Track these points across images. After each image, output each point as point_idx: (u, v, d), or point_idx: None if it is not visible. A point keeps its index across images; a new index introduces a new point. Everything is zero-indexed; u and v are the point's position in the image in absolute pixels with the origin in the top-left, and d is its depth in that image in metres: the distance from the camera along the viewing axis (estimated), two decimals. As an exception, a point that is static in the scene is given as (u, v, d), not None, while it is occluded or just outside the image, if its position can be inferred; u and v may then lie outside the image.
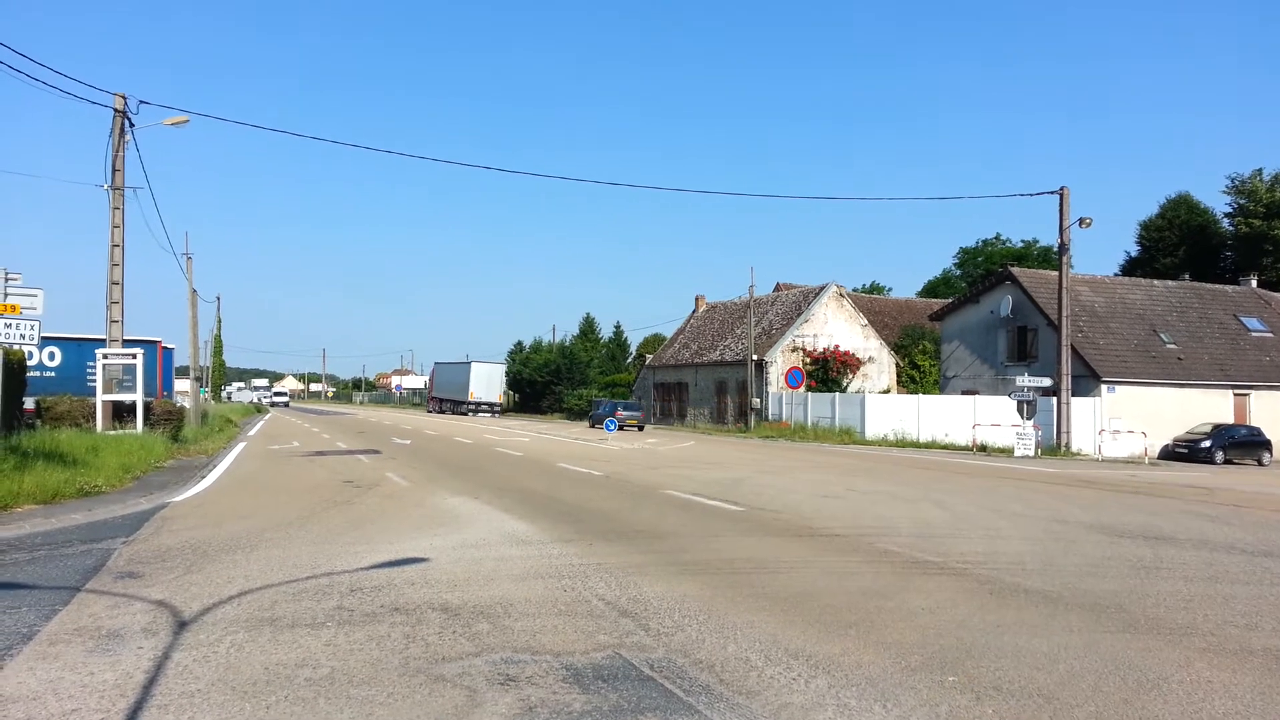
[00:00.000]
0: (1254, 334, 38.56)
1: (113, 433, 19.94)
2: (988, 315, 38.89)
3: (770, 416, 44.25)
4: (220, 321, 71.84)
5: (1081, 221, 30.75)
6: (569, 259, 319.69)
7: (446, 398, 75.00)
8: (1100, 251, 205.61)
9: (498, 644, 5.59)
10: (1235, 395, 35.59)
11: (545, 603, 6.69)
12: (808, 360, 46.53)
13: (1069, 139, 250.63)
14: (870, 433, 35.62)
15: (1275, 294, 43.06)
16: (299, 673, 4.97)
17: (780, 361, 46.60)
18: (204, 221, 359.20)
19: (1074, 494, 16.39)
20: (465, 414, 68.83)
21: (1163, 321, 37.42)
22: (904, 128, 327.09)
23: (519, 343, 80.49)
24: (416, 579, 7.46)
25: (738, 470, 19.78)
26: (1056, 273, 33.09)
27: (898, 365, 50.88)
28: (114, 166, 21.30)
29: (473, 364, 71.57)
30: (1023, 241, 75.52)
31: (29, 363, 22.31)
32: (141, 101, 21.53)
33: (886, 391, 46.46)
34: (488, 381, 70.99)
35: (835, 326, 48.56)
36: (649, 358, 61.94)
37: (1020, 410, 30.74)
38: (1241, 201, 54.47)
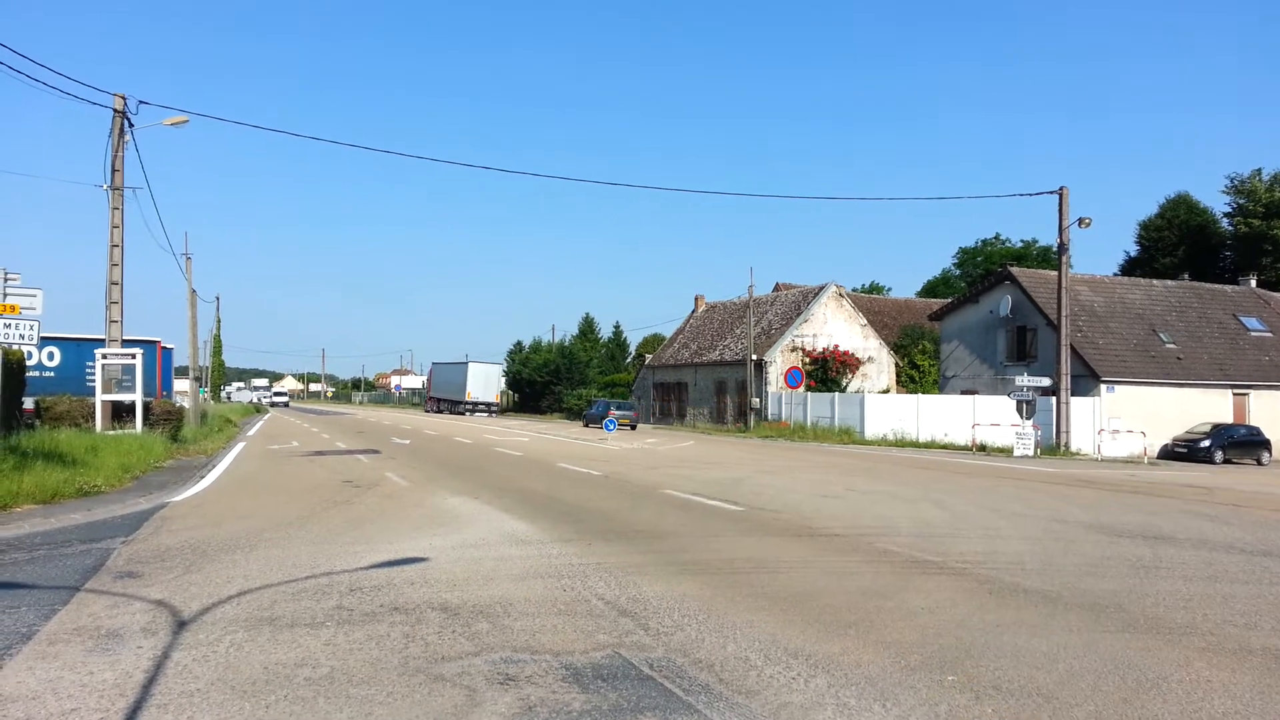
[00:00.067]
0: (1253, 334, 38.58)
1: (112, 433, 19.93)
2: (987, 315, 38.89)
3: (770, 416, 44.26)
4: (219, 321, 71.93)
5: (1081, 221, 30.76)
6: (569, 259, 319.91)
7: (444, 398, 75.04)
8: (1100, 251, 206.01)
9: (497, 643, 5.59)
10: (1234, 395, 35.61)
11: (545, 602, 6.69)
12: (807, 360, 46.54)
13: (1069, 139, 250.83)
14: (870, 432, 35.63)
15: (1274, 294, 43.08)
16: (298, 672, 4.97)
17: (780, 361, 46.61)
18: (203, 221, 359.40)
19: (1073, 494, 16.39)
20: (462, 414, 68.87)
21: (1162, 321, 37.43)
22: (904, 128, 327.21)
23: (518, 342, 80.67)
24: (416, 579, 7.46)
25: (737, 470, 19.78)
26: (1056, 272, 33.10)
27: (897, 365, 50.90)
28: (114, 167, 21.30)
29: (470, 364, 71.63)
30: (1022, 241, 75.62)
31: (28, 363, 22.30)
32: (141, 102, 21.56)
33: (886, 391, 46.48)
34: (485, 381, 71.04)
35: (835, 326, 48.57)
36: (648, 357, 61.96)
37: (1019, 410, 30.76)
38: (1241, 201, 54.49)
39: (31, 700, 4.48)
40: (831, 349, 47.04)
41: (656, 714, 4.41)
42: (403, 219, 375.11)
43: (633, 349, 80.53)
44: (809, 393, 42.26)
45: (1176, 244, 57.43)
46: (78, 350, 27.60)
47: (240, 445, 26.61)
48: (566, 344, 75.92)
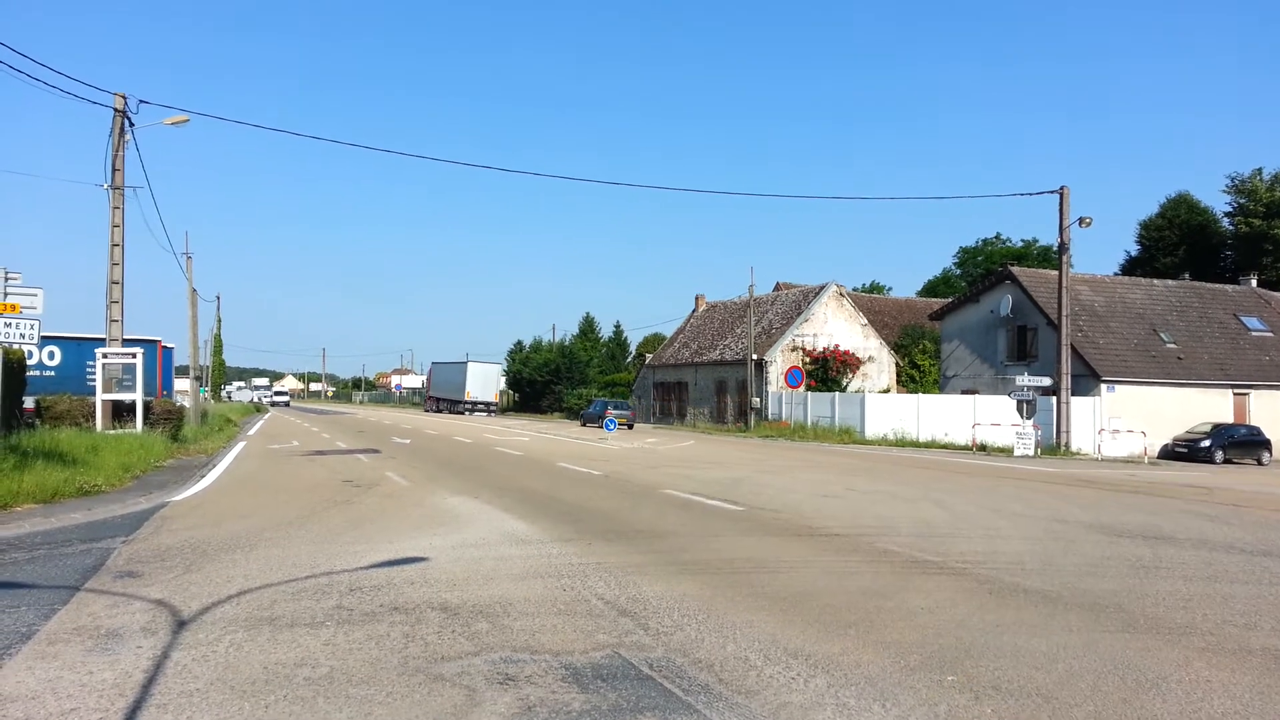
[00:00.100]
0: (1254, 333, 38.57)
1: (112, 432, 19.94)
2: (987, 315, 38.88)
3: (770, 416, 44.25)
4: (220, 321, 71.92)
5: (1081, 221, 30.75)
6: (569, 259, 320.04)
7: (443, 397, 75.07)
8: (1100, 251, 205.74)
9: (497, 643, 5.59)
10: (1235, 395, 35.59)
11: (544, 602, 6.69)
12: (807, 360, 46.53)
13: (1069, 139, 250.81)
14: (870, 432, 35.62)
15: (1275, 293, 43.06)
16: (298, 672, 4.97)
17: (780, 361, 46.59)
18: (204, 221, 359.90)
19: (1073, 493, 16.39)
20: (462, 413, 68.88)
21: (1163, 321, 37.42)
22: (904, 128, 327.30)
23: (519, 342, 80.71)
24: (416, 578, 7.46)
25: (737, 470, 19.78)
26: (1056, 272, 33.09)
27: (897, 365, 50.88)
28: (114, 166, 21.30)
29: (469, 364, 71.67)
30: (1023, 241, 75.61)
31: (29, 362, 22.31)
32: (141, 101, 21.53)
33: (886, 391, 46.46)
34: (484, 381, 71.07)
35: (835, 326, 48.56)
36: (649, 357, 61.96)
37: (1020, 410, 30.74)
38: (1241, 201, 54.47)
39: (31, 700, 4.48)
40: (832, 349, 47.03)
41: (656, 714, 4.41)
42: (403, 219, 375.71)
43: (633, 348, 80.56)
44: (809, 392, 42.25)
45: (1177, 244, 57.42)
46: (78, 349, 27.59)
47: (240, 445, 26.62)
48: (567, 343, 75.96)
